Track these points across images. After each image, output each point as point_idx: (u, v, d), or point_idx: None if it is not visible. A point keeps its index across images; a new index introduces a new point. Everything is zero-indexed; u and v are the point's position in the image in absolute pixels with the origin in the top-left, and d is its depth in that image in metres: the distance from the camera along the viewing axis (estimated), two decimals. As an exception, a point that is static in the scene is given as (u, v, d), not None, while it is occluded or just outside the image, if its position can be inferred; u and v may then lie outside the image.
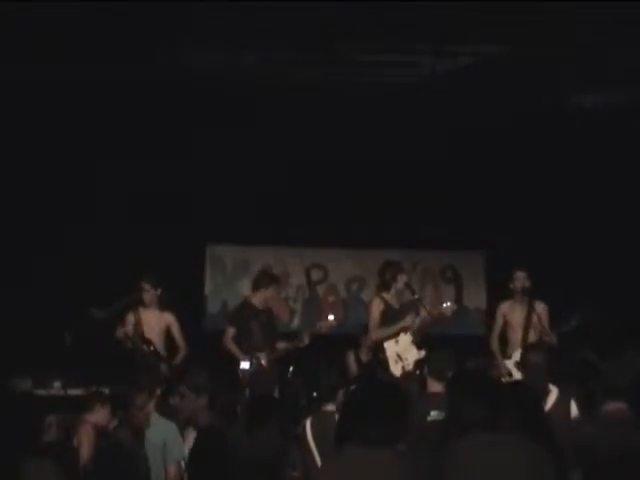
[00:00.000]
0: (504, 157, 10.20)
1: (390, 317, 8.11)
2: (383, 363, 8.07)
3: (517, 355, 7.84)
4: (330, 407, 5.89)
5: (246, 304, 8.60)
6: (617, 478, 4.43)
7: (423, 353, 8.00)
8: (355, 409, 4.03)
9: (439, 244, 10.99)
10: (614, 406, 5.32)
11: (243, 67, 9.35)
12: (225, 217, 10.52)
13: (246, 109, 9.54)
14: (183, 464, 5.85)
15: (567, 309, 8.06)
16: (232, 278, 11.10)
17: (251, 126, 9.78)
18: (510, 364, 7.90)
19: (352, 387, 6.05)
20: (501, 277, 9.26)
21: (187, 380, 6.11)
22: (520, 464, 3.87)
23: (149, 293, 8.42)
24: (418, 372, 7.99)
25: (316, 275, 11.32)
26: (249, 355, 8.11)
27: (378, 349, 8.21)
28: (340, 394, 5.93)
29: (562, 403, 5.83)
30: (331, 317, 8.46)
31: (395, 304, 8.17)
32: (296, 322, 10.95)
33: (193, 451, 5.47)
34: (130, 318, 8.38)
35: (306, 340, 8.22)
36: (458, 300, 10.99)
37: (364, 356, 9.46)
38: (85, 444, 5.94)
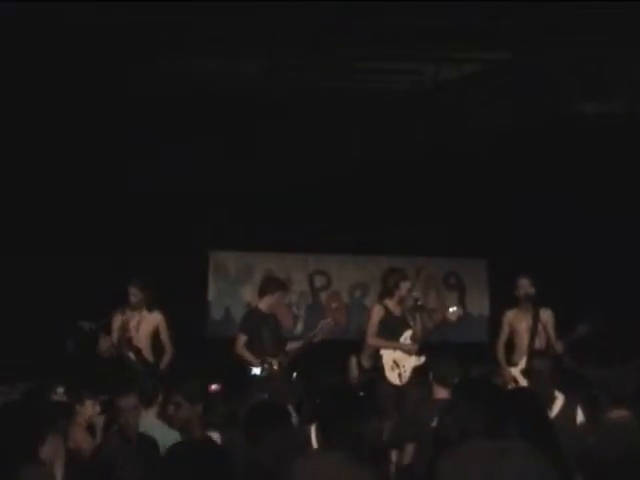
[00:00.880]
0: (508, 164, 10.17)
1: (390, 325, 8.13)
2: (379, 370, 8.09)
3: (523, 362, 7.87)
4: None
5: (254, 310, 8.62)
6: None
7: (423, 359, 8.02)
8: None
9: (442, 251, 10.98)
10: (618, 413, 5.32)
11: (245, 73, 9.35)
12: (228, 223, 10.52)
13: (248, 114, 9.53)
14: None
15: (572, 316, 8.06)
16: (235, 284, 11.11)
17: (253, 131, 9.78)
18: (516, 371, 7.89)
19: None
20: (504, 284, 9.28)
21: (182, 389, 6.10)
22: (522, 471, 3.86)
23: (136, 296, 8.45)
24: (416, 378, 8.03)
25: (319, 281, 11.33)
26: (260, 360, 8.09)
27: (375, 355, 8.24)
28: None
29: (568, 410, 5.83)
30: (330, 323, 8.50)
31: (397, 311, 8.18)
32: (299, 328, 10.94)
33: None
34: (117, 319, 8.41)
35: (319, 335, 8.21)
36: (461, 307, 10.96)
37: (365, 362, 9.47)
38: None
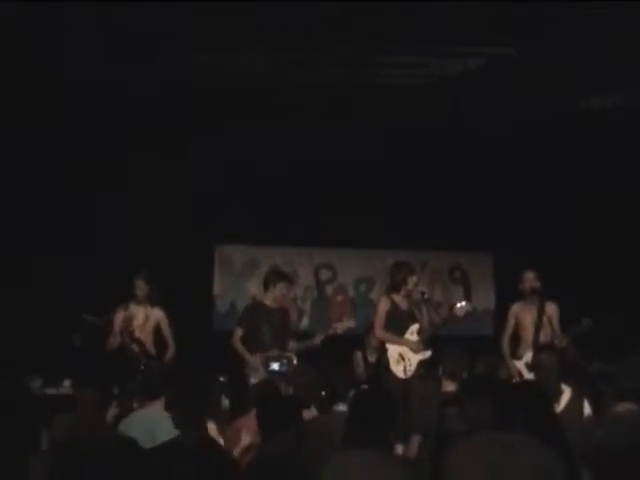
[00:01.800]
0: (514, 157, 10.18)
1: (396, 318, 8.14)
2: (384, 363, 8.11)
3: (528, 356, 7.87)
4: (342, 407, 5.92)
5: (257, 304, 8.63)
6: (627, 479, 4.43)
7: (428, 354, 8.03)
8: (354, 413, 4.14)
9: (448, 244, 10.99)
10: (625, 407, 5.33)
11: (246, 67, 9.35)
12: (234, 217, 10.53)
13: (252, 108, 9.53)
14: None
15: (578, 310, 8.06)
16: (241, 278, 11.11)
17: (258, 125, 9.78)
18: (520, 364, 7.90)
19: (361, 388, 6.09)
20: (510, 278, 9.28)
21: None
22: (529, 464, 3.87)
23: (142, 289, 8.48)
24: (422, 371, 8.05)
25: (325, 275, 11.33)
26: (259, 355, 8.08)
27: (381, 349, 8.25)
28: (351, 394, 5.96)
29: (575, 403, 5.84)
30: (351, 322, 8.51)
31: (404, 305, 8.18)
32: (305, 322, 10.96)
33: None
34: (120, 315, 8.43)
35: (317, 342, 8.24)
36: (466, 301, 10.96)
37: (371, 356, 9.50)
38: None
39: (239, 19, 7.99)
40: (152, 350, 8.48)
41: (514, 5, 7.22)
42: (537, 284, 8.14)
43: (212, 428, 5.80)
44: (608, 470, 4.62)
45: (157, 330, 8.58)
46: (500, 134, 9.88)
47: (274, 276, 8.61)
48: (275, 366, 7.98)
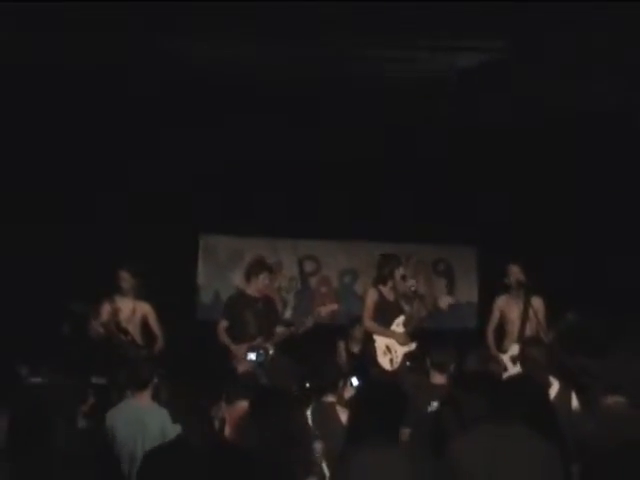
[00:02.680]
0: (498, 151, 10.22)
1: (383, 310, 8.17)
2: (371, 354, 8.13)
3: (513, 349, 7.92)
4: (331, 398, 5.93)
5: (240, 294, 8.64)
6: (617, 472, 4.46)
7: (414, 346, 8.07)
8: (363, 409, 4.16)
9: (432, 237, 11.01)
10: (614, 400, 5.37)
11: (232, 60, 9.33)
12: (218, 207, 10.52)
13: (236, 101, 9.51)
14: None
15: (561, 305, 8.10)
16: (225, 269, 11.09)
17: (244, 118, 9.77)
18: (506, 358, 7.94)
19: (351, 380, 6.10)
20: (493, 271, 9.32)
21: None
22: (528, 456, 3.90)
23: (127, 282, 8.43)
24: (408, 364, 8.09)
25: (309, 267, 11.32)
26: (245, 345, 8.10)
27: (367, 340, 8.28)
28: (340, 386, 5.98)
29: (563, 396, 5.89)
30: (335, 306, 8.54)
31: (391, 297, 8.23)
32: (288, 313, 10.94)
33: None
34: (106, 307, 8.37)
35: (309, 324, 8.25)
36: (450, 293, 11.04)
37: (354, 347, 9.54)
38: None
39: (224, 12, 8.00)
40: (139, 341, 8.43)
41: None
42: (522, 278, 8.18)
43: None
44: (598, 463, 4.65)
45: (144, 323, 8.54)
46: (484, 129, 9.92)
47: (256, 267, 8.63)
48: (252, 356, 8.01)
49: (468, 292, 11.00)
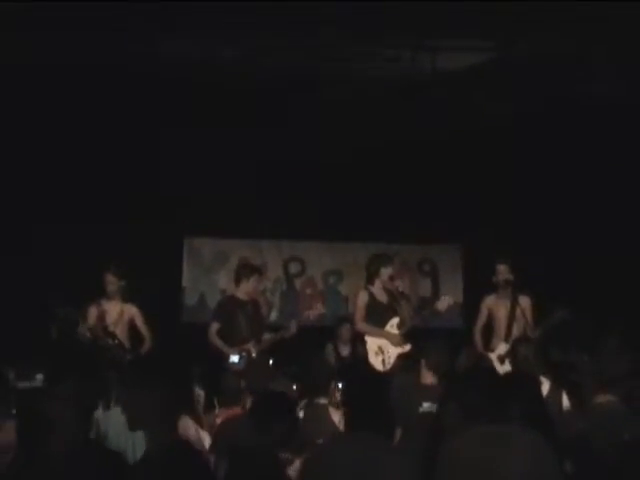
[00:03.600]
0: (481, 150, 10.25)
1: (375, 311, 8.14)
2: (363, 355, 8.11)
3: (500, 348, 7.94)
4: (323, 400, 5.93)
5: (230, 297, 8.64)
6: (609, 470, 4.48)
7: (408, 347, 8.04)
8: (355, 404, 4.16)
9: (417, 237, 11.03)
10: (605, 398, 5.39)
11: (224, 58, 9.31)
12: (203, 209, 10.49)
13: (221, 103, 9.49)
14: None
15: (549, 304, 8.12)
16: (210, 270, 11.08)
17: (229, 119, 9.74)
18: (493, 357, 7.94)
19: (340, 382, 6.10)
20: (478, 270, 9.33)
21: None
22: (526, 455, 3.88)
23: (113, 284, 8.39)
24: (402, 363, 8.06)
25: (294, 268, 11.31)
26: (235, 348, 8.10)
27: (359, 341, 8.26)
28: (332, 387, 5.98)
29: (554, 395, 5.90)
30: (321, 308, 8.51)
31: (383, 298, 8.17)
32: (274, 315, 10.90)
33: None
34: (93, 311, 8.32)
35: (293, 329, 8.25)
36: (435, 293, 11.05)
37: (342, 349, 9.53)
38: None
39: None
40: (127, 344, 8.38)
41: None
42: (510, 277, 8.19)
43: (189, 423, 5.77)
44: (590, 461, 4.67)
45: (131, 326, 8.50)
46: (468, 128, 9.94)
47: (246, 269, 8.66)
48: (235, 358, 8.02)
49: (453, 292, 10.98)
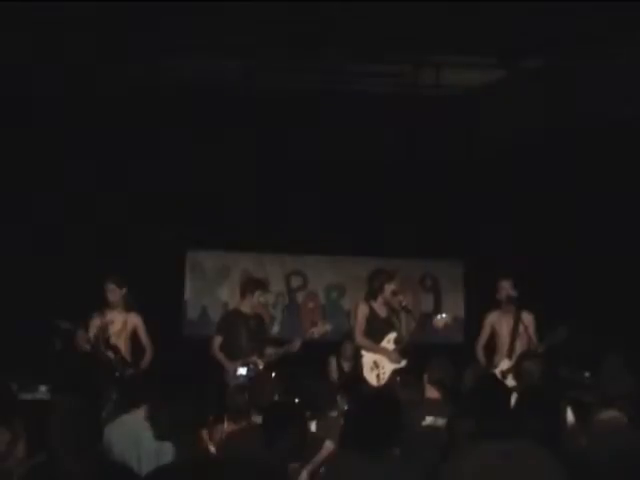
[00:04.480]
0: (483, 166, 10.31)
1: (374, 326, 8.15)
2: (358, 370, 8.12)
3: (503, 365, 7.97)
4: (333, 413, 5.96)
5: (234, 312, 8.68)
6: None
7: (404, 363, 8.05)
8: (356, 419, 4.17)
9: (418, 252, 11.04)
10: (609, 414, 5.40)
11: (220, 73, 9.36)
12: (205, 223, 10.52)
13: (222, 112, 9.54)
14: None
15: (551, 320, 8.13)
16: (212, 284, 11.08)
17: (228, 130, 9.80)
18: (496, 373, 7.95)
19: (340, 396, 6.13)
20: (479, 285, 9.34)
21: None
22: (538, 473, 3.90)
23: (114, 293, 8.39)
24: (398, 379, 8.06)
25: (296, 282, 11.32)
26: (238, 361, 8.11)
27: (356, 355, 8.27)
28: (339, 400, 6.01)
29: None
30: (328, 326, 8.52)
31: (383, 313, 8.19)
32: (276, 329, 10.94)
33: None
34: (96, 321, 8.31)
35: (297, 346, 8.25)
36: (437, 308, 11.04)
37: (345, 364, 9.56)
38: None
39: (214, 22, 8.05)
40: (128, 357, 8.37)
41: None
42: (513, 293, 8.21)
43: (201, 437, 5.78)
44: (594, 478, 4.67)
45: (134, 336, 8.50)
46: (473, 143, 10.00)
47: (251, 284, 8.69)
48: (243, 371, 8.04)
49: (455, 307, 11.03)
